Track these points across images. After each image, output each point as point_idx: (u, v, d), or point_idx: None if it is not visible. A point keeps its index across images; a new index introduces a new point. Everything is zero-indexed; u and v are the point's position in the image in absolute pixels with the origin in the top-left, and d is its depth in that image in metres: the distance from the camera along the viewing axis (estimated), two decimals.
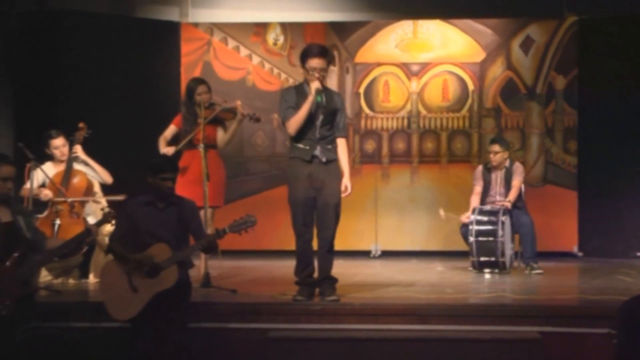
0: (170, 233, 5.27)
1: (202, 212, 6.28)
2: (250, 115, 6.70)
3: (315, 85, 5.74)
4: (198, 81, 6.78)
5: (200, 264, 6.43)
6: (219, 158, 6.76)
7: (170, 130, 6.69)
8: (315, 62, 5.77)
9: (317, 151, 5.78)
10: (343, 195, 5.86)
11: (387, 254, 8.93)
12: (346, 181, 5.88)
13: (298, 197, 5.79)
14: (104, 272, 5.33)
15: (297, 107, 5.77)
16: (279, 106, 5.93)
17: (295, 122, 5.76)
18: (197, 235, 5.42)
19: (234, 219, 5.30)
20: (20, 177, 6.25)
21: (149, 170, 5.32)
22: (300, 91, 5.85)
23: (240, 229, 5.26)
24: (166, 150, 6.52)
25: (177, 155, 6.56)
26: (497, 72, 9.17)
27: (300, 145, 5.80)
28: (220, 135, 6.69)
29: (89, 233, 4.96)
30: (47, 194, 6.66)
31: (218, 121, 6.63)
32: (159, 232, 5.24)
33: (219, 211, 6.68)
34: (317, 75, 5.75)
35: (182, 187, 6.16)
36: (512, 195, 7.56)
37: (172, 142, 6.65)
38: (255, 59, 9.31)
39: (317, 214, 5.82)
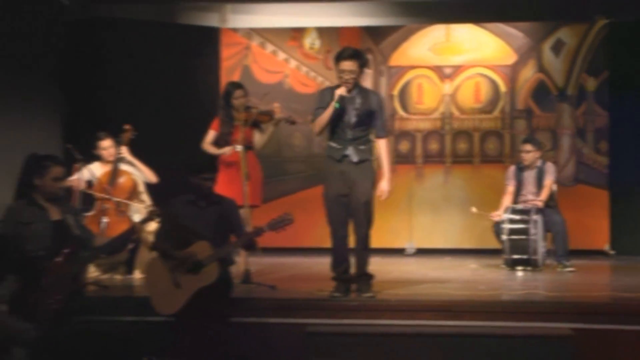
0: (211, 231, 5.30)
1: (241, 211, 6.32)
2: (286, 118, 6.72)
3: (339, 91, 5.67)
4: (235, 85, 6.81)
5: (241, 261, 6.45)
6: (256, 159, 6.78)
7: (211, 135, 6.71)
8: (344, 65, 5.71)
9: (349, 151, 5.75)
10: (380, 198, 5.82)
11: (421, 252, 8.89)
12: (384, 185, 5.83)
13: (330, 194, 5.77)
14: (148, 268, 5.38)
15: (327, 107, 5.73)
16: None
17: (318, 124, 5.75)
18: (238, 232, 5.44)
19: (272, 218, 5.31)
20: (69, 178, 6.32)
21: (190, 170, 5.35)
22: (334, 93, 5.83)
23: (278, 227, 5.27)
24: (226, 149, 6.51)
25: (216, 156, 6.60)
26: (528, 74, 9.09)
27: (333, 145, 5.79)
28: (257, 137, 6.72)
29: (134, 231, 5.00)
30: (80, 183, 6.61)
31: (254, 123, 6.66)
32: (200, 230, 5.27)
33: (257, 210, 6.70)
34: (345, 78, 5.69)
35: (222, 187, 6.20)
36: (544, 194, 7.50)
37: (214, 145, 6.68)
38: (293, 63, 9.32)
39: (350, 212, 5.79)
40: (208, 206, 5.37)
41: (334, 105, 5.65)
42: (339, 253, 5.84)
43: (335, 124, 5.74)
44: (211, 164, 5.54)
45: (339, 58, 5.76)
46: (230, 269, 5.58)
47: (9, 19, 7.42)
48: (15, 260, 3.95)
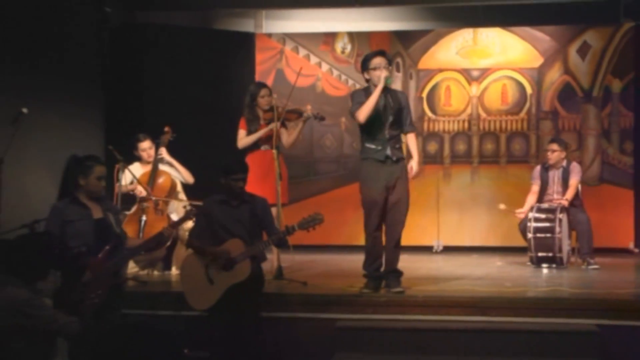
0: (244, 229, 5.31)
1: (274, 209, 6.34)
2: (315, 114, 6.72)
3: (384, 73, 5.67)
4: (260, 85, 6.83)
5: (274, 258, 6.47)
6: (282, 157, 6.77)
7: (243, 134, 6.70)
8: (376, 61, 5.72)
9: (388, 151, 5.73)
10: (410, 176, 5.81)
11: (448, 249, 8.85)
12: (414, 163, 5.83)
13: (374, 198, 5.72)
14: (184, 265, 5.40)
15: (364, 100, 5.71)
16: (351, 106, 5.84)
17: (366, 108, 5.65)
18: (270, 230, 5.44)
19: (303, 217, 5.31)
20: (110, 178, 6.38)
21: (221, 172, 5.37)
22: (368, 93, 5.78)
23: (309, 226, 5.27)
24: (263, 130, 6.52)
25: (244, 155, 6.61)
26: (554, 76, 9.00)
27: (373, 146, 5.75)
28: (285, 137, 6.71)
29: (163, 236, 5.02)
30: (141, 190, 6.75)
31: (281, 123, 6.65)
32: (233, 228, 5.29)
33: (290, 208, 6.71)
34: (380, 70, 5.68)
35: (251, 186, 6.23)
36: (570, 193, 7.42)
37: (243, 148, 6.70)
38: (325, 66, 9.33)
39: (387, 210, 5.76)
40: (240, 205, 5.38)
41: (384, 80, 5.63)
42: (373, 252, 5.81)
43: (372, 125, 5.71)
44: (241, 164, 5.53)
45: (368, 59, 5.77)
46: (263, 266, 5.59)
47: (57, 25, 7.51)
48: (59, 256, 4.00)
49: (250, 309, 5.21)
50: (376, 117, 5.70)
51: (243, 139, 6.67)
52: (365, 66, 5.81)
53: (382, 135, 5.73)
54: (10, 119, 6.63)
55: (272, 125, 6.47)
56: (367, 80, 5.83)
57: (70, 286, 4.58)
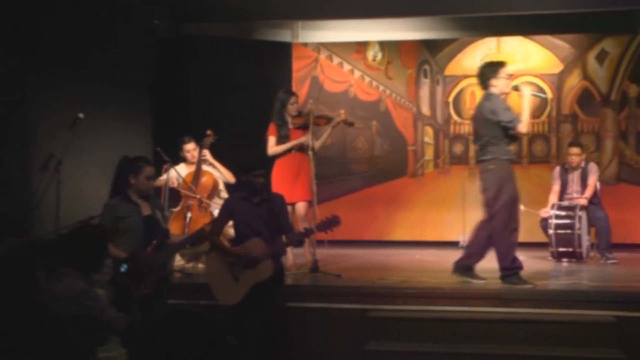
0: (264, 225, 5.22)
1: (298, 206, 6.35)
2: (344, 120, 6.70)
3: (528, 87, 5.79)
4: (289, 92, 6.81)
5: (308, 251, 6.46)
6: (309, 159, 6.73)
7: (272, 141, 6.69)
8: (507, 70, 5.78)
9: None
10: None
11: None
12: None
13: (517, 194, 5.75)
14: (208, 260, 5.29)
15: (511, 110, 5.69)
16: (500, 114, 5.69)
17: (528, 122, 5.71)
18: (283, 227, 5.32)
19: (321, 220, 5.27)
20: (158, 177, 6.42)
21: (242, 169, 5.33)
22: (498, 99, 5.74)
23: (326, 228, 5.22)
24: (296, 141, 6.50)
25: (272, 157, 6.60)
26: (573, 82, 8.86)
27: (510, 148, 5.75)
28: (313, 140, 6.67)
29: (202, 233, 5.02)
30: (173, 181, 6.71)
31: (309, 127, 6.62)
32: (254, 225, 5.20)
33: (324, 205, 6.71)
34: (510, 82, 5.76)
35: (277, 185, 6.23)
36: (588, 192, 7.32)
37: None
38: (357, 73, 9.30)
39: None
40: (260, 202, 5.30)
41: (538, 95, 5.70)
42: (515, 247, 5.77)
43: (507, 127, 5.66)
44: (260, 161, 5.44)
45: (496, 67, 5.76)
46: (298, 260, 5.56)
47: (111, 38, 7.58)
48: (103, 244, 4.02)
49: (276, 302, 5.18)
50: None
51: (273, 147, 6.63)
52: (493, 75, 5.72)
53: (514, 137, 5.74)
54: (68, 123, 6.72)
55: (302, 139, 6.44)
56: (488, 87, 5.74)
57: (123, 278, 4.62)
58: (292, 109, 6.62)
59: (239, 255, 5.08)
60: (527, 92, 5.76)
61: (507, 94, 5.81)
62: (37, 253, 4.81)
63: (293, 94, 6.76)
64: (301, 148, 6.55)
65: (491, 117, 5.69)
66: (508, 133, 5.69)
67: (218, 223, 5.33)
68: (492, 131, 5.70)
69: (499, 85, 5.71)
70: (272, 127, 6.67)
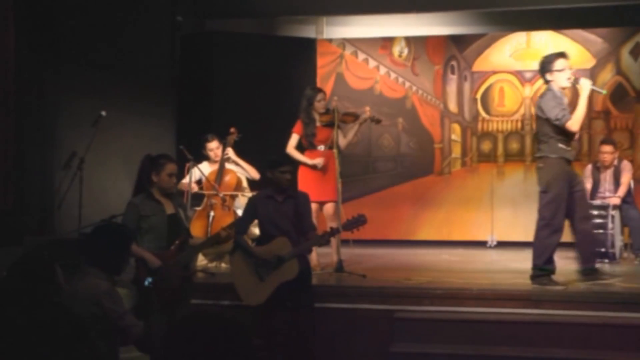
0: (289, 223, 5.23)
1: (327, 206, 6.34)
2: (371, 117, 6.67)
3: (588, 81, 5.62)
4: (316, 89, 6.81)
5: (334, 251, 6.45)
6: (335, 158, 6.72)
7: (294, 139, 6.69)
8: (563, 62, 5.60)
9: (573, 152, 5.75)
10: None
11: (502, 244, 8.69)
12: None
13: (564, 193, 5.64)
14: (233, 260, 5.30)
15: (563, 106, 5.60)
16: (547, 111, 5.62)
17: (580, 117, 5.57)
18: (306, 225, 5.33)
19: (347, 219, 5.26)
20: (181, 175, 6.45)
21: (268, 166, 5.33)
22: (556, 95, 5.63)
23: (352, 227, 5.21)
24: (317, 161, 6.48)
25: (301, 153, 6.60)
26: (606, 77, 8.75)
27: (564, 147, 5.64)
28: (340, 138, 6.66)
29: (219, 237, 5.03)
30: (193, 187, 6.74)
31: (335, 124, 6.61)
32: (279, 223, 5.21)
33: (350, 204, 6.71)
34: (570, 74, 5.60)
35: (303, 184, 6.22)
36: (622, 191, 7.22)
37: (297, 148, 6.68)
38: (382, 70, 9.27)
39: (571, 205, 5.68)
40: (285, 200, 5.31)
41: (598, 91, 5.71)
42: (555, 248, 5.73)
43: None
44: (287, 157, 5.46)
45: (551, 60, 5.62)
46: (322, 260, 5.56)
47: (133, 35, 7.64)
48: (127, 243, 4.03)
49: (304, 302, 5.17)
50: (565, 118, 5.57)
51: (291, 148, 6.59)
52: (548, 67, 5.63)
53: (573, 136, 5.66)
54: (91, 121, 6.77)
55: (317, 161, 6.41)
56: (548, 82, 5.67)
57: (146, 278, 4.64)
58: (319, 106, 6.61)
59: (263, 256, 5.08)
60: (587, 87, 5.55)
61: (565, 88, 5.66)
62: (59, 252, 4.84)
63: (320, 91, 6.75)
64: (330, 146, 6.55)
65: (540, 114, 5.65)
66: (561, 130, 5.56)
67: (243, 222, 5.34)
68: (543, 128, 5.65)
69: (555, 79, 5.59)
70: (298, 125, 6.68)
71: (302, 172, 6.56)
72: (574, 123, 5.53)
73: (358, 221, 5.19)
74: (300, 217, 5.28)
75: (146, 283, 4.08)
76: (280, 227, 5.19)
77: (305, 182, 6.44)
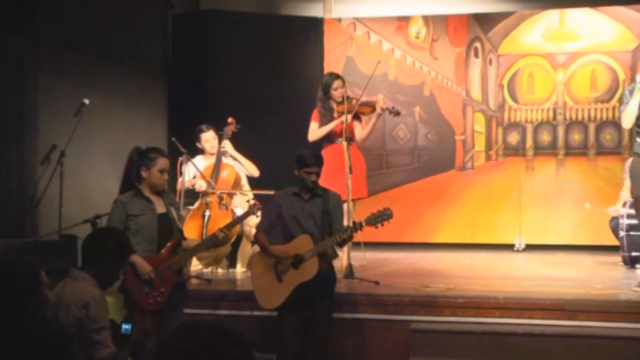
0: (315, 224, 5.28)
1: (344, 204, 6.32)
2: (390, 108, 6.66)
3: None
4: (333, 76, 6.81)
5: (343, 256, 6.45)
6: (359, 151, 6.77)
7: (314, 127, 6.73)
8: None
9: None
10: None
11: (531, 248, 8.68)
12: None
13: None
14: (254, 261, 5.40)
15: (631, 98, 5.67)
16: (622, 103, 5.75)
17: (629, 113, 5.66)
18: (336, 226, 5.37)
19: (371, 212, 5.26)
20: (173, 170, 6.45)
21: (295, 162, 5.37)
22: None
23: (377, 222, 5.21)
24: (335, 122, 6.53)
25: (319, 148, 6.61)
26: None
27: None
28: (358, 130, 6.68)
29: (216, 239, 5.04)
30: (200, 185, 6.81)
31: (355, 115, 6.63)
32: (304, 222, 5.27)
33: (360, 202, 6.70)
34: None
35: (324, 180, 6.21)
36: None
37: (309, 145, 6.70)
38: (397, 53, 9.26)
39: None
40: (312, 198, 5.36)
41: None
42: None
43: None
44: (317, 157, 5.48)
45: None
46: (333, 264, 5.57)
47: (121, 13, 7.65)
48: (126, 252, 4.04)
49: (321, 310, 5.19)
50: None
51: (314, 131, 6.69)
52: None
53: None
54: (73, 109, 6.78)
55: (343, 118, 6.47)
56: None
57: (133, 283, 4.66)
58: (336, 94, 6.63)
59: (281, 255, 5.13)
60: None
61: None
62: (39, 257, 4.86)
63: (338, 77, 6.76)
64: (349, 138, 6.57)
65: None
66: None
67: (266, 220, 5.39)
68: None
69: None
70: (315, 114, 6.72)
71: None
72: (623, 117, 5.71)
73: (383, 215, 5.20)
74: (328, 218, 5.32)
75: (122, 330, 3.95)
76: (304, 227, 5.23)
77: (323, 177, 6.44)
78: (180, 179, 6.75)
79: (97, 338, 3.64)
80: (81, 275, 3.77)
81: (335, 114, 6.61)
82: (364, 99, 6.74)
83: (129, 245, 4.04)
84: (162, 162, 4.86)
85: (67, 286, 3.72)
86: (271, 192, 5.74)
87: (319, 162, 5.39)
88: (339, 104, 6.63)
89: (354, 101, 6.57)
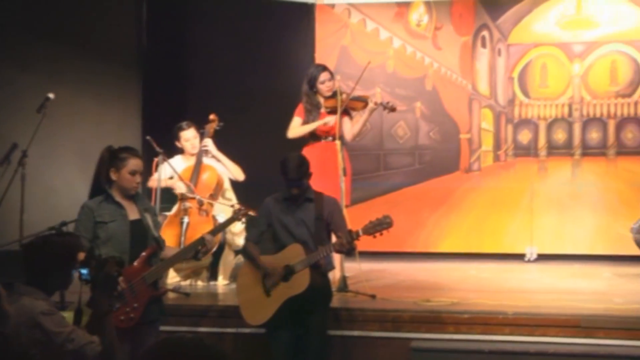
0: (307, 231, 5.29)
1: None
2: (384, 104, 6.68)
3: None
4: (320, 68, 6.83)
5: (337, 267, 6.47)
6: (346, 151, 6.76)
7: (297, 122, 6.73)
8: None
9: None
10: None
11: (544, 258, 8.71)
12: None
13: None
14: (241, 273, 5.43)
15: None
16: None
17: None
18: (336, 234, 5.40)
19: (370, 220, 5.27)
20: (148, 172, 6.46)
21: (280, 168, 5.37)
22: None
23: (375, 231, 5.22)
24: (320, 121, 6.54)
25: (301, 147, 6.61)
26: None
27: None
28: (347, 127, 6.68)
29: (203, 242, 5.03)
30: (180, 186, 6.80)
31: (344, 111, 6.64)
32: (295, 230, 5.28)
33: (356, 208, 6.72)
34: None
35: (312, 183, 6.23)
36: None
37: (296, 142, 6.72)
38: (397, 42, 9.28)
39: None
40: (304, 203, 5.36)
41: None
42: None
43: None
44: (299, 171, 5.41)
45: None
46: (329, 276, 5.59)
47: None
48: (92, 263, 4.03)
49: (314, 326, 5.20)
50: None
51: (295, 128, 6.67)
52: None
53: None
54: (36, 105, 6.77)
55: (328, 119, 6.49)
56: None
57: (102, 299, 4.66)
58: (323, 88, 6.65)
59: (268, 267, 5.14)
60: None
61: None
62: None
63: (325, 69, 6.79)
64: (332, 137, 6.57)
65: None
66: None
67: (255, 229, 5.40)
68: None
69: None
70: (299, 109, 6.73)
71: None
72: None
73: (382, 224, 5.21)
74: (328, 226, 5.35)
75: (82, 276, 3.90)
76: (296, 235, 5.25)
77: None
78: (155, 175, 6.72)
79: (73, 345, 3.64)
80: (26, 290, 3.74)
81: (322, 110, 6.62)
82: (356, 93, 6.74)
83: (73, 246, 3.98)
84: (134, 163, 4.86)
85: (13, 305, 3.71)
86: (252, 213, 5.48)
87: (300, 176, 5.35)
88: (327, 98, 6.64)
89: (344, 95, 6.58)
